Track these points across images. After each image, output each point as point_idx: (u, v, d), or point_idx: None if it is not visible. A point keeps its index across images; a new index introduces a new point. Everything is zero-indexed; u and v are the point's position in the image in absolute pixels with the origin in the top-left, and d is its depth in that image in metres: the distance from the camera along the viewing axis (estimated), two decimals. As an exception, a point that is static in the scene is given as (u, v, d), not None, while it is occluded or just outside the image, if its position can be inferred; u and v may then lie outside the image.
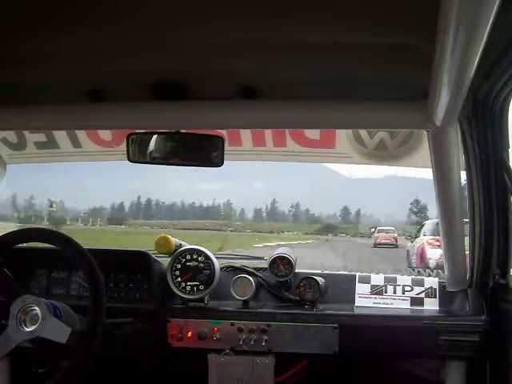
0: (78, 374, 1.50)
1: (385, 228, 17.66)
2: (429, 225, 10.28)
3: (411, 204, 24.22)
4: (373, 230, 18.92)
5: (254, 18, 1.06)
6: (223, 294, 1.87)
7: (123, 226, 25.93)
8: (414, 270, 2.21)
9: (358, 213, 28.06)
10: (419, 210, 24.38)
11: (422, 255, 9.26)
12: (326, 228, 24.31)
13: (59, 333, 1.51)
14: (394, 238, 16.60)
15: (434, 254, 8.39)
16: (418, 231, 10.42)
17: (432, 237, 9.21)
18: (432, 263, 8.58)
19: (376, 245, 16.20)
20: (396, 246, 15.54)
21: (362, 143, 2.51)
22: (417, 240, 9.83)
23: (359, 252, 14.32)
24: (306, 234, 22.26)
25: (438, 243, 7.60)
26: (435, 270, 2.14)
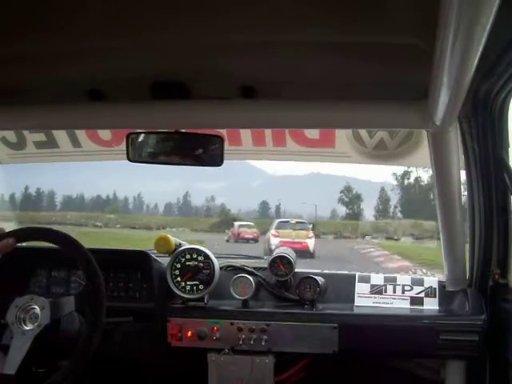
0: (77, 374, 1.50)
1: (245, 223, 17.42)
2: (275, 222, 14.47)
3: (341, 192, 21.86)
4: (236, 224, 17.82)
5: (253, 17, 1.06)
6: (223, 293, 1.87)
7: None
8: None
9: (278, 208, 26.40)
10: (351, 200, 21.79)
11: (268, 242, 13.08)
12: (225, 222, 20.61)
13: (65, 306, 1.50)
14: (256, 233, 16.24)
15: (275, 241, 12.65)
16: (271, 226, 14.35)
17: (274, 230, 13.56)
18: (273, 248, 12.04)
19: (236, 240, 15.66)
20: (256, 241, 15.40)
21: (361, 143, 2.50)
22: (269, 232, 13.81)
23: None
24: (196, 230, 19.04)
25: (277, 234, 13.20)
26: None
